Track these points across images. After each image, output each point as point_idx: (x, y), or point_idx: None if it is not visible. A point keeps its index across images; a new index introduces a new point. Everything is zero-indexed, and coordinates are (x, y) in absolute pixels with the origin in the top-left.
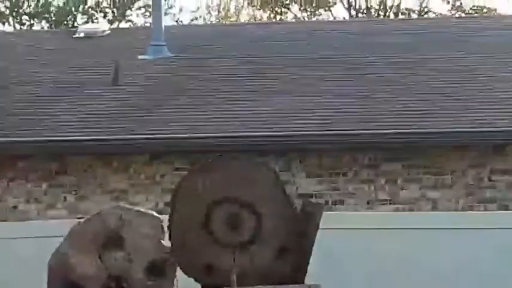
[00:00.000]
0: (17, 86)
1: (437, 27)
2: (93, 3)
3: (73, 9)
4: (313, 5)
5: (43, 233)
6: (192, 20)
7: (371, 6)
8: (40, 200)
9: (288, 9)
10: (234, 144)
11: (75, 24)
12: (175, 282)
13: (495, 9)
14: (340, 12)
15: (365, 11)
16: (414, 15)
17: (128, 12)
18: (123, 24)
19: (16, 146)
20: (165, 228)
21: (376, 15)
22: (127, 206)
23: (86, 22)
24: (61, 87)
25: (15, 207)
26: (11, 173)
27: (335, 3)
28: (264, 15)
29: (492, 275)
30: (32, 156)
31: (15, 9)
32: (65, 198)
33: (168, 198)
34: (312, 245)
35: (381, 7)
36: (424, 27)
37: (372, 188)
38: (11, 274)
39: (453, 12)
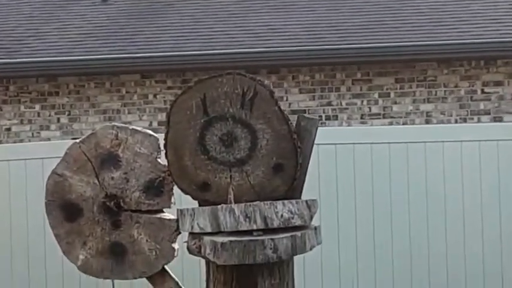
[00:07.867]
0: (5, 7)
1: None
2: None
3: None
4: None
5: (38, 154)
6: None
7: None
8: (33, 121)
9: None
10: (226, 61)
11: None
12: (172, 200)
13: None
14: None
15: None
16: None
17: None
18: None
19: (7, 68)
20: (161, 147)
21: None
22: (122, 124)
23: None
24: (50, 6)
25: (8, 129)
26: (3, 95)
27: None
28: None
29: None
30: (23, 78)
31: None
32: (58, 119)
33: (161, 117)
34: (308, 161)
35: None
36: None
37: (365, 102)
38: (8, 196)
39: None
